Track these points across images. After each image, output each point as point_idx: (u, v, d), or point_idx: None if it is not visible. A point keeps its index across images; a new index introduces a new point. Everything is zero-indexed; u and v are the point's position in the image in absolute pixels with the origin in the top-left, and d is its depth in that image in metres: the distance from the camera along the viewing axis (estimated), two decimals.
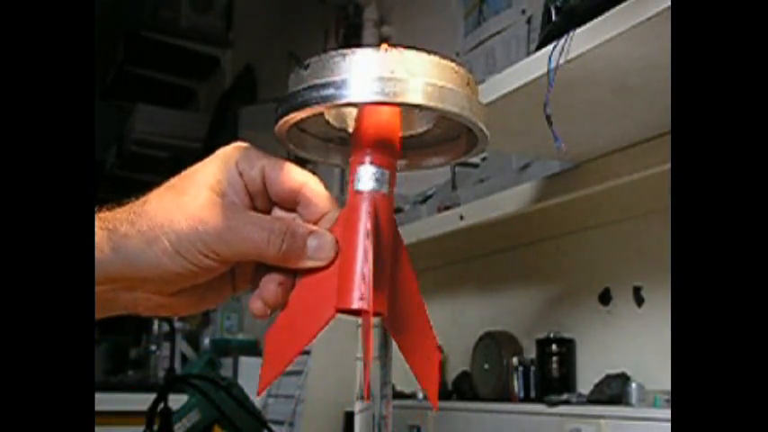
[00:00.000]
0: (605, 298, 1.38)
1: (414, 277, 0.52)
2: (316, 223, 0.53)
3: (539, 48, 0.98)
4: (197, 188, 0.52)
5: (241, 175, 0.53)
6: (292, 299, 0.51)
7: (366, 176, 0.50)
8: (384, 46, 0.48)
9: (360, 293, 0.48)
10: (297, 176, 0.53)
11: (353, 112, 0.54)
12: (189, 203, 0.51)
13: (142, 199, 0.53)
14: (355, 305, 0.48)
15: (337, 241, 0.51)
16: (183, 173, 0.53)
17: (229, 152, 0.54)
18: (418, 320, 0.52)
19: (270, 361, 0.51)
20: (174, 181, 0.53)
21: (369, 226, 0.49)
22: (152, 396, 1.47)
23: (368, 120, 0.51)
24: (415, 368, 0.52)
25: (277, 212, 0.55)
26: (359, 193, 0.50)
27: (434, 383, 0.51)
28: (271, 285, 0.52)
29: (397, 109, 0.51)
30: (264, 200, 0.54)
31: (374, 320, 0.51)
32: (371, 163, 0.50)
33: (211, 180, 0.52)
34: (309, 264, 0.51)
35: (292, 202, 0.54)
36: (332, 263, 0.51)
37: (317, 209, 0.53)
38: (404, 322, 0.51)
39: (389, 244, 0.50)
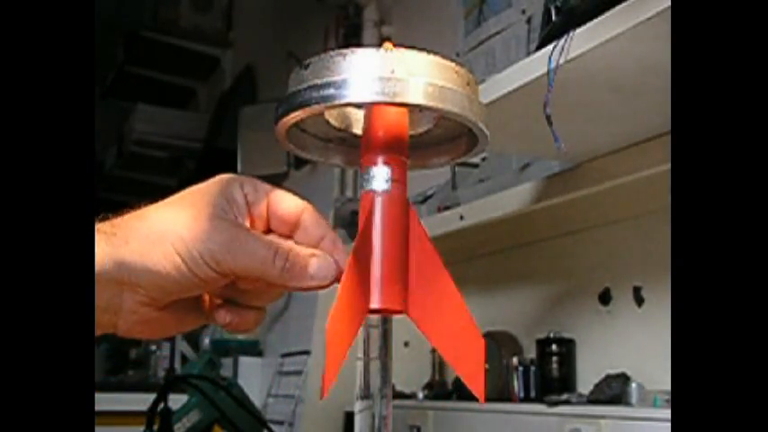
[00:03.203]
0: (605, 298, 1.38)
1: (445, 271, 0.52)
2: (314, 247, 0.54)
3: (539, 48, 0.98)
4: (201, 203, 0.52)
5: (245, 197, 0.54)
6: (343, 288, 0.49)
7: (379, 177, 0.50)
8: (388, 45, 0.48)
9: (378, 293, 0.49)
10: (297, 202, 0.55)
11: (354, 112, 0.54)
12: (194, 216, 0.51)
13: (138, 212, 0.53)
14: (375, 305, 0.48)
15: (337, 263, 0.53)
16: (183, 192, 0.54)
17: (232, 177, 0.55)
18: (455, 315, 0.51)
19: (332, 351, 0.47)
20: (172, 198, 0.54)
21: (385, 226, 0.49)
22: (152, 396, 1.47)
23: (378, 120, 0.51)
24: (456, 364, 0.51)
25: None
26: (373, 193, 0.50)
27: (480, 379, 0.50)
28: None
29: (404, 108, 0.51)
30: (263, 226, 0.55)
31: (374, 320, 0.51)
32: (384, 163, 0.50)
33: (216, 198, 0.53)
34: (311, 283, 0.52)
35: (291, 228, 0.55)
36: (331, 283, 0.52)
37: (315, 233, 0.54)
38: (439, 318, 0.51)
39: (407, 241, 0.50)
